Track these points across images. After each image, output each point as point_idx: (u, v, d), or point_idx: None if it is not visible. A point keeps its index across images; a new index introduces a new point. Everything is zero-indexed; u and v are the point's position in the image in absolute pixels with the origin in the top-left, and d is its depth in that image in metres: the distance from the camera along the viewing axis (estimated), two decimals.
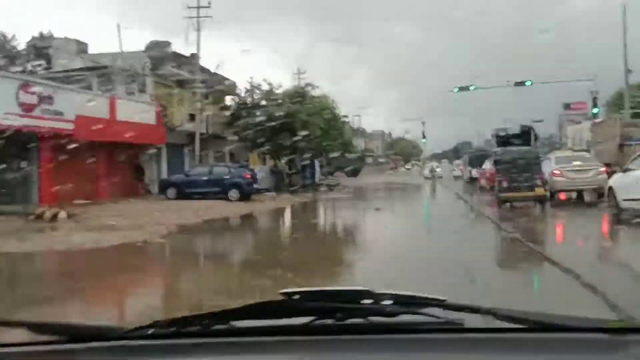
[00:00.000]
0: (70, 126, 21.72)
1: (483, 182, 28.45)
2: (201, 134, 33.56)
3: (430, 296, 1.39)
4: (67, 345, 1.45)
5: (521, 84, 39.84)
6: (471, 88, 41.04)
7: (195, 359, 1.35)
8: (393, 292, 1.40)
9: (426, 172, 52.74)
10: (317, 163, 34.94)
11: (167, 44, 31.86)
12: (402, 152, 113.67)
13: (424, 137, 68.44)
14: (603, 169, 18.90)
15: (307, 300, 1.42)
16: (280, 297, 1.43)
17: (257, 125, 28.93)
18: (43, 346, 1.47)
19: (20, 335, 1.50)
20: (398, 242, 12.73)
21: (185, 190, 24.13)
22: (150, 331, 1.43)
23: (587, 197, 19.51)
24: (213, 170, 24.80)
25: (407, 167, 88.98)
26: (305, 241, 13.41)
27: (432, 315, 1.37)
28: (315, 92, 33.02)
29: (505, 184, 18.12)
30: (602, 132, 27.71)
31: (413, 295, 1.40)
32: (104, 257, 11.33)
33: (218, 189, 24.20)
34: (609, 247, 11.23)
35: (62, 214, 16.40)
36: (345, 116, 31.81)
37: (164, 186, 24.83)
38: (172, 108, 31.57)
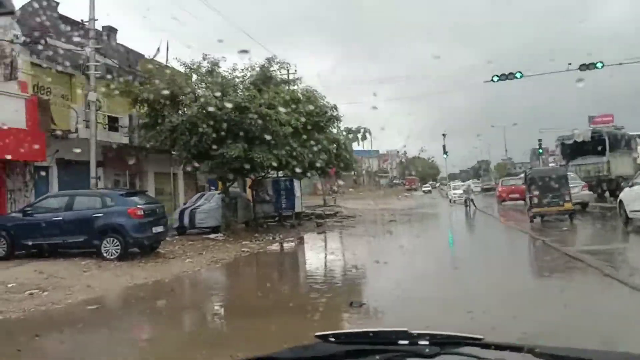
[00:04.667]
0: None
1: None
2: (121, 145, 22.36)
3: (467, 335, 1.38)
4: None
5: (589, 67, 28.29)
6: (518, 76, 29.51)
7: None
8: (430, 332, 1.38)
9: (454, 194, 40.44)
10: (297, 185, 23.63)
11: (55, 4, 20.79)
12: (419, 172, 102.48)
13: (445, 152, 56.51)
14: (584, 184, 23.60)
15: (343, 342, 1.39)
16: (316, 340, 1.39)
17: (190, 126, 17.66)
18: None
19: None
20: None
21: (24, 242, 12.89)
22: None
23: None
24: (74, 203, 13.42)
25: (425, 188, 76.62)
26: None
27: (471, 356, 1.34)
28: (296, 84, 21.62)
29: (536, 200, 19.17)
30: None
31: (450, 334, 1.38)
32: None
33: (84, 238, 12.90)
34: None
35: None
36: (335, 108, 20.33)
37: None
38: (65, 104, 20.42)
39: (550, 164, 58.92)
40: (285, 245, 17.93)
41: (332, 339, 1.40)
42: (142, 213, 13.13)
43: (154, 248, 14.25)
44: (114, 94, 19.31)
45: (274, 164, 18.30)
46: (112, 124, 22.91)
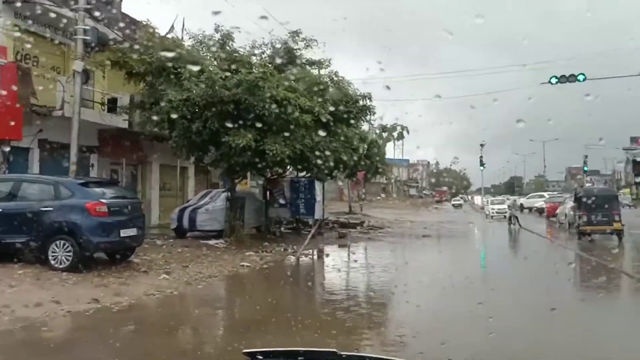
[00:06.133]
0: None
1: None
2: (120, 130, 19.36)
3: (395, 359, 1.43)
4: None
5: None
6: (580, 78, 25.63)
7: None
8: (359, 354, 1.49)
9: (493, 209, 36.60)
10: (318, 187, 20.29)
11: None
12: (449, 183, 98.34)
13: (482, 163, 52.22)
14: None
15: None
16: (244, 358, 1.41)
17: (192, 108, 14.51)
18: None
19: None
20: None
21: None
22: None
23: None
24: (19, 191, 10.24)
25: (456, 201, 72.11)
26: None
27: None
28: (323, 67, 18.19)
29: (585, 218, 19.61)
30: None
31: (379, 357, 1.47)
32: None
33: (26, 239, 9.74)
34: None
35: None
36: (368, 97, 16.80)
37: None
38: (54, 79, 17.56)
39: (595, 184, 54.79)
40: (300, 258, 14.56)
41: (260, 357, 1.39)
42: (106, 210, 9.90)
43: (126, 256, 11.04)
44: (105, 64, 16.19)
45: (287, 160, 14.90)
46: (112, 105, 19.92)
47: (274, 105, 13.91)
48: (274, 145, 14.09)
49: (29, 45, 16.88)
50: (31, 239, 9.67)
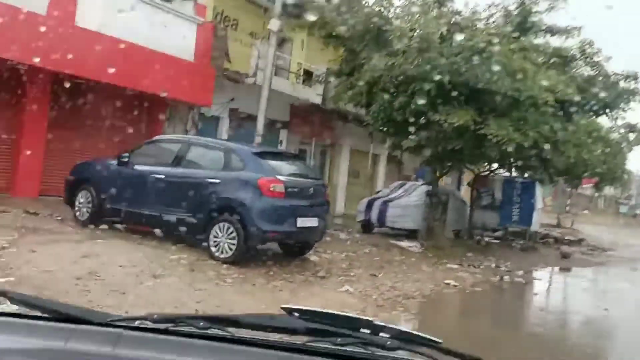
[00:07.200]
0: None
1: None
2: (313, 105, 17.52)
3: (427, 336, 1.36)
4: (52, 324, 1.37)
5: None
6: None
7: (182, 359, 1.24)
8: (393, 326, 1.38)
9: None
10: (539, 192, 16.22)
11: None
12: None
13: None
14: None
15: (307, 319, 1.38)
16: (282, 312, 1.39)
17: (398, 78, 11.78)
18: (28, 320, 1.40)
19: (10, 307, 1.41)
20: None
21: (112, 205, 8.29)
22: (139, 323, 1.36)
23: None
24: (186, 155, 8.24)
25: None
26: None
27: (429, 357, 1.34)
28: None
29: None
30: None
31: (411, 332, 1.38)
32: None
33: (186, 215, 7.80)
34: None
35: None
36: (634, 77, 12.49)
37: (70, 187, 9.08)
38: (249, 43, 16.19)
39: None
40: (521, 283, 11.03)
41: (296, 314, 1.38)
42: (283, 190, 7.58)
43: (301, 252, 8.70)
44: (302, 26, 14.23)
45: (512, 150, 11.39)
46: (307, 77, 18.15)
47: (507, 79, 10.54)
48: (501, 130, 10.71)
49: (229, 6, 15.61)
50: (193, 216, 7.72)
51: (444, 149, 12.13)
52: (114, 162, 8.63)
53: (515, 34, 12.24)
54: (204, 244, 7.68)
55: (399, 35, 11.11)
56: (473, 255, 12.90)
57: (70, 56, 10.87)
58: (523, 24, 13.06)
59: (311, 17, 13.85)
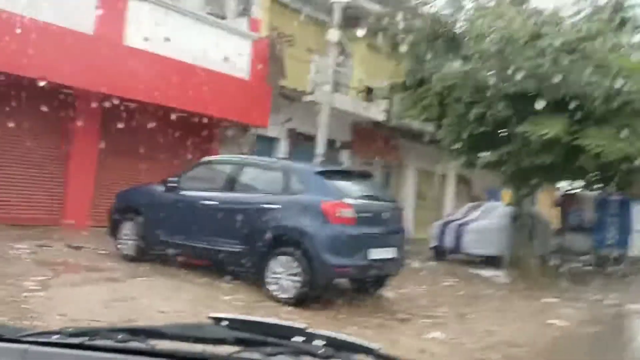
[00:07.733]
0: None
1: None
2: (375, 123, 16.37)
3: (364, 343, 1.30)
4: None
5: None
6: None
7: None
8: (327, 334, 1.31)
9: None
10: (636, 211, 14.27)
11: None
12: None
13: None
14: None
15: (236, 329, 1.31)
16: (209, 322, 1.33)
17: (474, 86, 10.44)
18: None
19: None
20: None
21: (161, 236, 7.29)
22: (54, 338, 1.27)
23: None
24: (239, 178, 7.22)
25: None
26: None
27: None
28: None
29: None
30: None
31: (346, 339, 1.31)
32: None
33: (240, 248, 6.68)
34: None
35: None
36: None
37: (113, 217, 8.15)
38: (306, 59, 15.19)
39: None
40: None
41: (225, 323, 1.32)
42: (352, 215, 6.36)
43: (374, 288, 7.42)
44: (363, 37, 13.14)
45: (618, 163, 9.81)
46: (369, 94, 17.00)
47: (606, 81, 9.01)
48: (601, 140, 9.14)
49: (285, 21, 14.72)
50: (246, 248, 6.60)
51: (530, 164, 10.61)
52: (162, 188, 7.66)
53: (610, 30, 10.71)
54: (263, 280, 6.55)
55: (476, 36, 9.79)
56: (568, 285, 11.21)
57: (119, 77, 10.28)
58: (615, 20, 11.50)
59: (372, 27, 12.79)
